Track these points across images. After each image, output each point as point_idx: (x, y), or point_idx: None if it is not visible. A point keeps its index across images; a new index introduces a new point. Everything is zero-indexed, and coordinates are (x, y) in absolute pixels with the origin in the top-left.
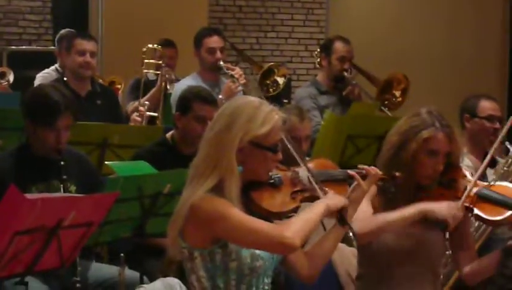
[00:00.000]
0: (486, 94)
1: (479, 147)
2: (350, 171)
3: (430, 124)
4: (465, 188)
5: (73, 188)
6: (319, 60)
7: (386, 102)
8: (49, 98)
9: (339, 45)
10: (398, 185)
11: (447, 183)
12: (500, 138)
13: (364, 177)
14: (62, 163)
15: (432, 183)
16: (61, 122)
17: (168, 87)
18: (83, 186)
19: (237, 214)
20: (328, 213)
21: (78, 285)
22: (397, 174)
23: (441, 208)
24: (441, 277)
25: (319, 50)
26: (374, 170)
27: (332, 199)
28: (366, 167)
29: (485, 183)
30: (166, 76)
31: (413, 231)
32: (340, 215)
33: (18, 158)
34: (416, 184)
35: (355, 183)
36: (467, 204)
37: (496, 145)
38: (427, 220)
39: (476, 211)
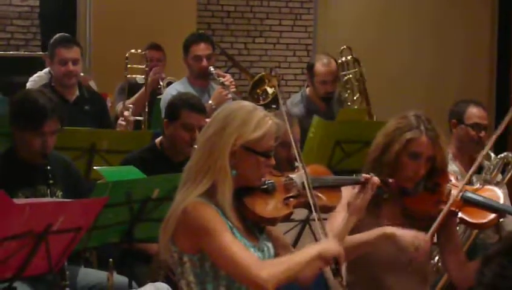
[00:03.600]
0: (475, 100)
1: (464, 153)
2: (364, 176)
3: (415, 126)
4: (449, 193)
5: (59, 193)
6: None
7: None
8: (36, 102)
9: (319, 69)
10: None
11: (432, 187)
12: (487, 148)
13: (363, 185)
14: (48, 168)
15: (416, 187)
16: (47, 127)
17: (161, 83)
18: (69, 190)
19: (223, 236)
20: (321, 260)
21: (67, 289)
22: (390, 180)
23: (405, 236)
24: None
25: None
26: (373, 178)
27: (327, 245)
28: (365, 175)
29: (474, 187)
30: (157, 75)
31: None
32: (335, 267)
33: (4, 163)
34: (400, 188)
35: (356, 191)
36: (452, 208)
37: (484, 152)
38: (411, 225)
39: (461, 214)
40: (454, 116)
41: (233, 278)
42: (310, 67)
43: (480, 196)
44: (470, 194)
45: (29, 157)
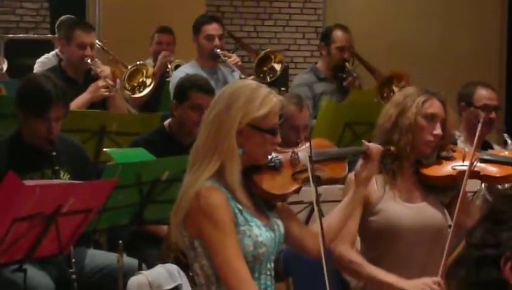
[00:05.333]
0: (484, 82)
1: (474, 136)
2: (365, 143)
3: (425, 91)
4: (465, 156)
5: (66, 176)
6: (318, 49)
7: (385, 94)
8: (41, 88)
9: (338, 34)
10: (399, 159)
11: (446, 154)
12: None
13: (366, 155)
14: (54, 154)
15: (432, 153)
16: (53, 113)
17: (169, 67)
18: (76, 173)
19: (227, 239)
20: None
21: (73, 276)
22: (392, 148)
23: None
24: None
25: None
26: (375, 146)
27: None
28: (367, 143)
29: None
30: (166, 59)
31: (421, 205)
32: None
33: (11, 147)
34: (416, 156)
35: (360, 162)
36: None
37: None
38: (428, 197)
39: (483, 172)
40: (463, 99)
41: (222, 280)
42: (326, 33)
43: (495, 154)
44: (486, 155)
45: (35, 141)
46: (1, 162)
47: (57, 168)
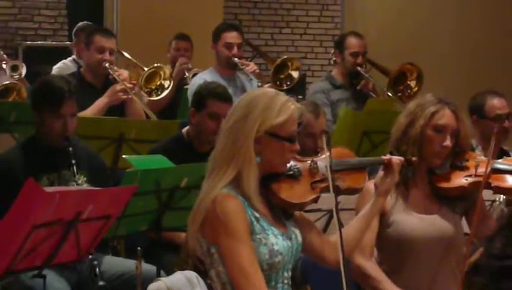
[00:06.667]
0: (492, 90)
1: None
2: (383, 157)
3: (437, 101)
4: (478, 166)
5: (83, 179)
6: (333, 57)
7: (400, 94)
8: (53, 85)
9: (351, 41)
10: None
11: (459, 164)
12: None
13: (387, 166)
14: (70, 149)
15: (444, 164)
16: (66, 108)
17: (186, 74)
18: (93, 179)
19: (242, 246)
20: None
21: (100, 283)
22: (413, 159)
23: None
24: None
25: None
26: (396, 158)
27: None
28: (388, 156)
29: (500, 160)
30: (184, 65)
31: (433, 217)
32: None
33: (27, 149)
34: (427, 166)
35: (380, 173)
36: (486, 180)
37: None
38: (441, 208)
39: (494, 183)
40: (474, 111)
41: (235, 287)
42: (340, 40)
43: (507, 163)
44: (498, 164)
45: (51, 142)
46: (18, 164)
47: (73, 161)
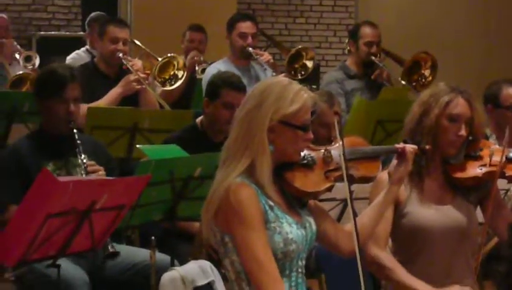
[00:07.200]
0: (508, 79)
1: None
2: (397, 145)
3: (450, 90)
4: (492, 155)
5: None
6: (347, 47)
7: (414, 83)
8: (55, 71)
9: (365, 30)
10: (426, 159)
11: (474, 154)
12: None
13: (400, 155)
14: (75, 131)
15: (458, 153)
16: (69, 92)
17: (196, 68)
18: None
19: (255, 235)
20: None
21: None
22: (427, 147)
23: None
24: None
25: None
26: (410, 147)
27: None
28: (402, 144)
29: None
30: (195, 58)
31: (447, 207)
32: None
33: (34, 139)
34: (442, 156)
35: (394, 161)
36: (500, 170)
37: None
38: (456, 198)
39: (509, 172)
40: (489, 100)
41: (250, 276)
42: (354, 30)
43: None
44: None
45: (57, 130)
46: (25, 153)
47: (79, 142)
